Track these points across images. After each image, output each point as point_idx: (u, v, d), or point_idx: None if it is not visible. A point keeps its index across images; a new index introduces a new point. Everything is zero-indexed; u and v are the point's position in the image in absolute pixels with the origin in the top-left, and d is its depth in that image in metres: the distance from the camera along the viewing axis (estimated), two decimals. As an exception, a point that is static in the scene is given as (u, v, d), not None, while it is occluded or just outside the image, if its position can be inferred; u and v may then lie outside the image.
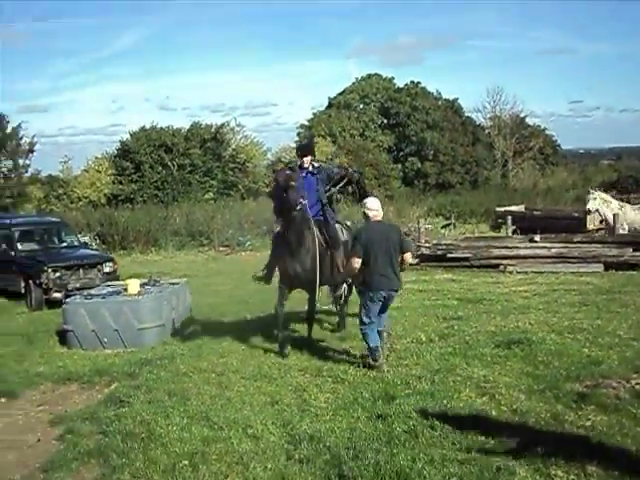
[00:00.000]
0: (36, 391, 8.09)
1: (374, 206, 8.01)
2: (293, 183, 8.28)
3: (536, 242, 16.37)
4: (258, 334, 9.64)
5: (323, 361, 7.85)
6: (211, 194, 44.43)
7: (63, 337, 10.41)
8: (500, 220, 25.75)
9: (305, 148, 9.94)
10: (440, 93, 66.06)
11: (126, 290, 10.76)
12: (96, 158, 45.33)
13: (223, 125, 47.50)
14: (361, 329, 7.58)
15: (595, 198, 19.15)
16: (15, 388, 8.09)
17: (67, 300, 10.95)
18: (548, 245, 16.13)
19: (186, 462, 5.11)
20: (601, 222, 23.27)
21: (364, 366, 7.30)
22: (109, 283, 12.63)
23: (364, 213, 8.08)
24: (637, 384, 5.95)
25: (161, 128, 46.21)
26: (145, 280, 11.48)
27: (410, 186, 58.38)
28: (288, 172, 8.61)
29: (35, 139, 43.98)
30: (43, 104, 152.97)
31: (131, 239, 27.11)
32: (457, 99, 66.39)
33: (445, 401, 5.81)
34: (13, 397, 7.86)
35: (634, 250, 15.45)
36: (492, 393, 5.99)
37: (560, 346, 7.49)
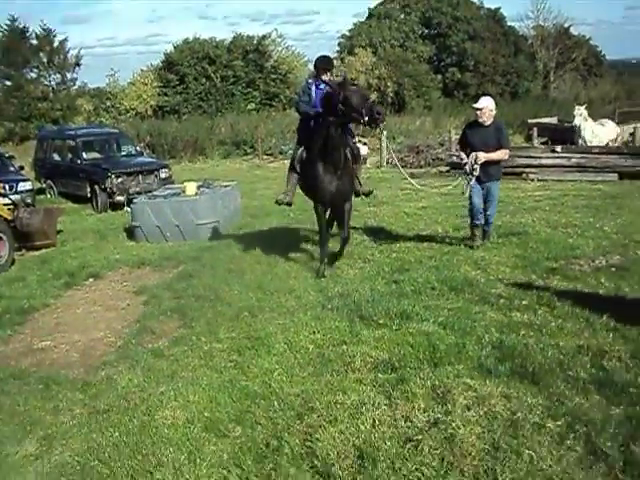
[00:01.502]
0: (117, 273, 9.74)
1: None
2: (354, 87, 8.23)
3: (557, 152, 17.56)
4: (300, 228, 11.18)
5: (355, 247, 9.43)
6: (253, 105, 45.52)
7: (131, 233, 11.99)
8: (531, 132, 26.75)
9: (327, 62, 9.34)
10: (482, 2, 65.16)
11: (184, 192, 12.33)
12: (142, 71, 46.57)
13: (265, 36, 48.13)
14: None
15: (581, 114, 19.95)
16: (99, 271, 9.75)
17: (134, 200, 12.59)
18: (568, 155, 17.31)
19: (246, 313, 6.78)
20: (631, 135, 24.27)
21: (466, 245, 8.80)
22: (168, 186, 14.30)
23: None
24: (599, 262, 7.46)
25: (204, 40, 47.04)
26: (200, 183, 13.09)
27: (450, 97, 58.51)
28: (353, 88, 8.19)
29: (81, 52, 45.15)
30: (82, 15, 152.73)
31: (179, 148, 28.78)
32: (499, 8, 65.36)
33: (446, 272, 7.39)
34: (99, 277, 9.52)
35: (644, 160, 16.63)
36: (484, 267, 7.55)
37: (550, 236, 8.98)
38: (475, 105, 9.05)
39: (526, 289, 6.58)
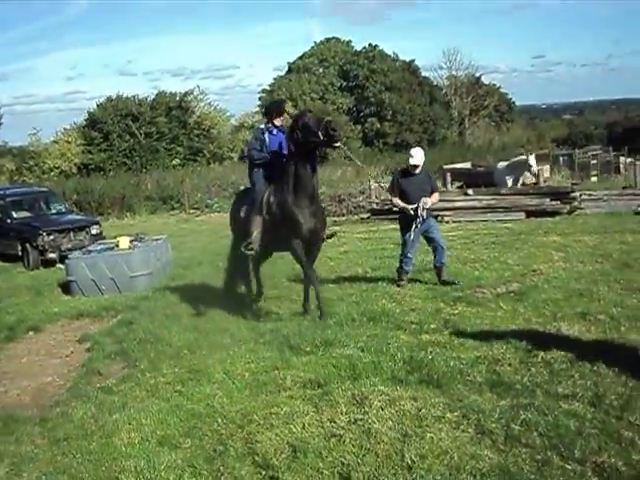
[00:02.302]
0: (56, 325, 10.20)
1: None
2: (309, 114, 8.39)
3: (469, 195, 18.89)
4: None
5: (282, 290, 10.20)
6: (178, 160, 46.31)
7: (67, 287, 12.38)
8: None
9: (278, 106, 9.82)
10: (397, 55, 67.94)
11: (118, 246, 12.91)
12: (65, 129, 46.98)
13: (187, 93, 49.28)
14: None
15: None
16: (38, 324, 10.16)
17: (69, 255, 13.07)
18: (479, 197, 18.66)
19: (186, 351, 7.43)
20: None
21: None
22: (101, 241, 14.83)
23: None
24: (500, 290, 8.47)
25: (127, 97, 47.84)
26: (132, 237, 13.68)
27: (370, 146, 60.62)
28: (309, 114, 8.38)
29: (1, 111, 45.18)
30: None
31: (107, 205, 29.15)
32: (414, 60, 68.32)
33: (365, 305, 8.27)
34: (39, 330, 9.94)
35: (551, 200, 18.11)
36: (399, 300, 8.47)
37: (459, 270, 10.00)
38: (414, 162, 9.59)
39: (435, 315, 7.51)
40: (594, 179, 35.29)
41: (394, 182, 10.01)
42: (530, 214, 17.58)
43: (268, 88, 66.18)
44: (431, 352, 6.11)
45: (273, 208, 8.51)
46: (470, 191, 19.20)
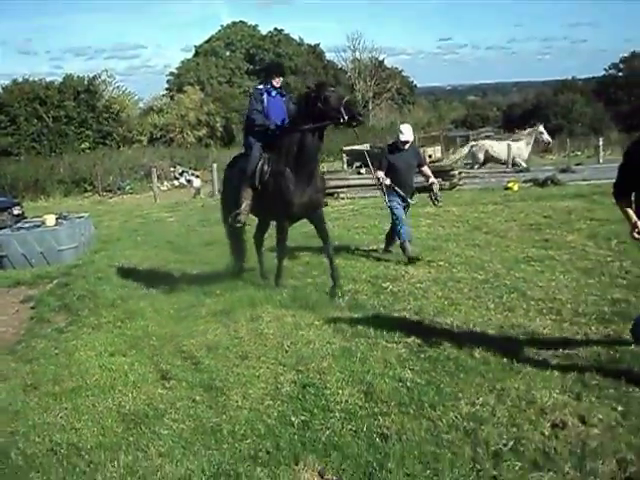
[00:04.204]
0: None
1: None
2: (332, 88, 8.17)
3: (362, 174, 21.14)
4: (148, 248, 13.59)
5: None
6: (87, 144, 46.83)
7: (-3, 262, 13.92)
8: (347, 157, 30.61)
9: (277, 67, 9.26)
10: (302, 39, 69.92)
11: (44, 223, 14.42)
12: (-31, 112, 46.76)
13: (96, 77, 49.67)
14: None
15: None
16: None
17: (0, 233, 14.49)
18: (371, 176, 20.90)
19: (119, 301, 9.19)
20: (429, 157, 28.71)
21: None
22: (28, 220, 16.22)
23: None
24: (373, 247, 10.65)
25: (34, 81, 47.93)
26: (57, 215, 15.18)
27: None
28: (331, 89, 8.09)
29: None
30: None
31: (21, 188, 30.09)
32: (319, 44, 70.45)
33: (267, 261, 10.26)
34: None
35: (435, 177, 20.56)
36: (297, 256, 10.47)
37: (340, 235, 12.12)
38: (404, 138, 9.94)
39: (318, 266, 9.54)
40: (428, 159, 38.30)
41: (383, 157, 10.21)
42: (420, 191, 19.97)
43: (175, 71, 66.94)
44: (310, 289, 8.20)
45: (266, 177, 8.27)
46: (363, 170, 21.43)
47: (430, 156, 29.40)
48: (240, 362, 6.05)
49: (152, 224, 17.96)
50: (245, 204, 8.39)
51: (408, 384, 5.17)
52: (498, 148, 24.97)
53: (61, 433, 4.91)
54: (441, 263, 9.35)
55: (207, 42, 69.82)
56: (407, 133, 10.03)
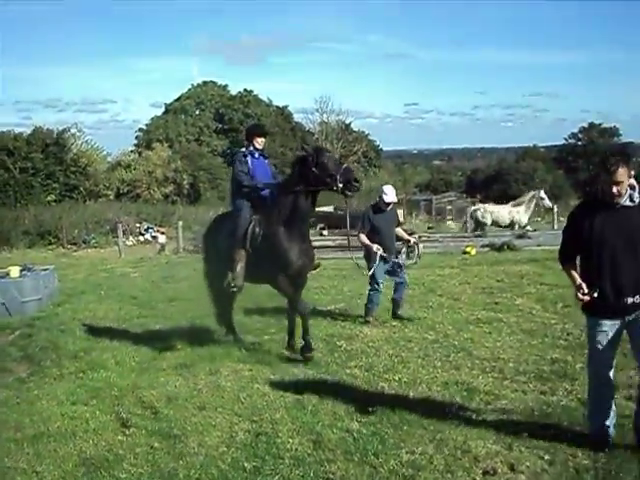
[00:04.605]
0: None
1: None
2: (329, 153, 8.18)
3: (324, 235, 21.72)
4: (111, 302, 13.83)
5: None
6: (53, 196, 46.92)
7: (-41, 311, 14.01)
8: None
9: (261, 128, 9.27)
10: (271, 100, 71.35)
11: (8, 274, 14.59)
12: None
13: (65, 130, 50.07)
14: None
15: None
16: None
17: (-36, 283, 14.61)
18: (332, 237, 21.49)
19: (82, 353, 9.42)
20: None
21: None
22: (-9, 271, 16.35)
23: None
24: (329, 308, 11.04)
25: (2, 132, 48.22)
26: (21, 267, 15.36)
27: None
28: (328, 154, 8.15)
29: None
30: None
31: (-17, 239, 30.07)
32: (287, 106, 71.92)
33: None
34: None
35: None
36: (260, 312, 10.81)
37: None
38: (388, 200, 10.02)
39: (277, 324, 9.89)
40: (450, 223, 39.28)
41: (364, 219, 10.18)
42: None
43: (144, 127, 67.67)
44: (268, 345, 8.56)
45: (258, 240, 8.20)
46: (325, 232, 22.01)
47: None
48: (198, 412, 6.35)
49: (116, 278, 18.17)
50: (239, 267, 8.23)
51: (354, 434, 5.53)
52: (498, 213, 25.95)
53: (22, 476, 5.14)
54: (394, 323, 9.80)
55: (177, 100, 70.93)
56: (391, 194, 10.09)
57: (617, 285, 4.92)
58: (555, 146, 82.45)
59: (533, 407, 6.01)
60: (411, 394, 6.57)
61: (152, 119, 69.06)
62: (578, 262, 5.23)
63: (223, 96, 70.50)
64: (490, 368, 7.41)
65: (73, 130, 51.15)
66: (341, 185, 7.59)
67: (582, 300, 4.97)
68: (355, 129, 73.68)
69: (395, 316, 10.22)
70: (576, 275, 5.08)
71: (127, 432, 5.97)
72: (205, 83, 72.33)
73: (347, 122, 70.81)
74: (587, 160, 67.83)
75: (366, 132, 77.87)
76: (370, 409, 6.04)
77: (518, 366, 7.42)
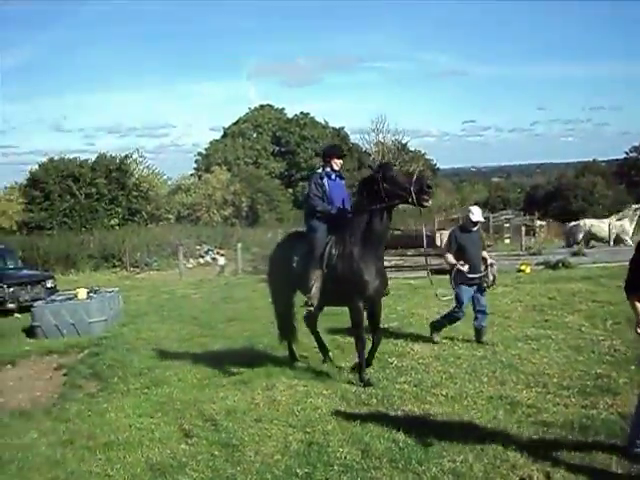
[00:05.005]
0: (29, 359, 12.40)
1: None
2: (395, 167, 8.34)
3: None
4: (173, 323, 14.44)
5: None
6: (116, 220, 48.45)
7: (31, 332, 14.62)
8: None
9: (339, 149, 9.04)
10: (327, 122, 72.17)
11: (76, 296, 15.35)
12: (6, 188, 49.03)
13: (127, 156, 51.76)
14: None
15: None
16: (13, 359, 12.31)
17: (35, 304, 15.39)
18: (388, 258, 21.73)
19: (146, 370, 9.97)
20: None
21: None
22: (61, 293, 17.18)
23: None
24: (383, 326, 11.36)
25: (68, 159, 50.08)
26: (89, 289, 16.13)
27: (300, 209, 63.86)
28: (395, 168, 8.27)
29: None
30: None
31: (52, 262, 31.32)
32: (343, 127, 72.69)
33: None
34: (15, 364, 12.06)
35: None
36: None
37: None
38: (475, 219, 10.02)
39: (330, 342, 10.28)
40: (507, 241, 39.09)
41: (452, 239, 10.20)
42: (433, 272, 20.75)
43: (204, 151, 69.24)
44: (322, 365, 8.99)
45: (334, 261, 8.10)
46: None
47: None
48: (255, 424, 6.79)
49: (177, 300, 18.87)
50: (315, 288, 8.11)
51: (400, 444, 5.86)
52: (599, 227, 26.82)
53: (96, 478, 5.64)
54: (445, 341, 10.08)
55: (235, 124, 72.36)
56: (477, 214, 10.09)
57: None
58: (616, 160, 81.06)
59: (573, 420, 6.24)
60: (456, 407, 6.88)
61: (211, 143, 70.71)
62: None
63: (280, 119, 71.69)
64: (534, 383, 7.65)
65: (135, 155, 52.86)
66: (415, 195, 7.52)
67: None
68: (412, 148, 73.72)
69: (478, 341, 10.04)
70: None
71: (189, 442, 6.45)
72: (262, 107, 73.65)
73: (403, 142, 70.96)
74: (650, 174, 66.46)
75: (422, 151, 77.82)
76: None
77: (562, 381, 7.64)
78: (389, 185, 7.68)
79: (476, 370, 8.40)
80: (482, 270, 10.09)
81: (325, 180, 8.41)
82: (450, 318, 10.27)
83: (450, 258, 10.01)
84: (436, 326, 10.38)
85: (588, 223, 27.47)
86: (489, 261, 10.26)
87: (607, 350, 9.03)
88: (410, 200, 7.61)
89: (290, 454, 5.90)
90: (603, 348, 9.17)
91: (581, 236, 26.81)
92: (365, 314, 8.38)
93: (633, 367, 7.95)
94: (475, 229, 10.14)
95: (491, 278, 10.19)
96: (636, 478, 5.02)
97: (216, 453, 6.07)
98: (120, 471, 5.78)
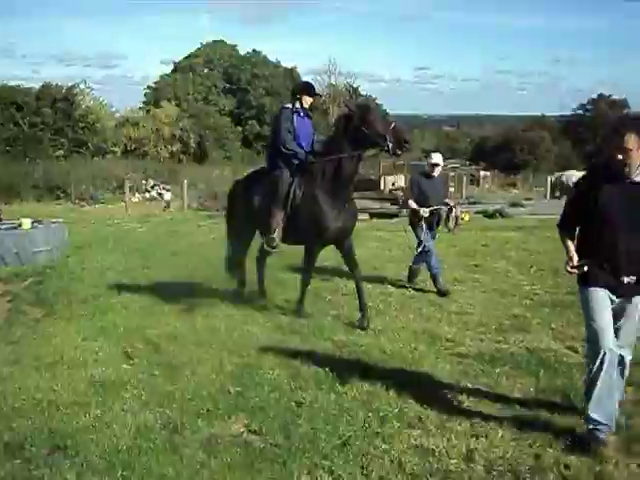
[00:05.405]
0: None
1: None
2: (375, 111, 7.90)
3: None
4: (118, 255, 14.70)
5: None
6: (62, 152, 47.82)
7: (-27, 260, 14.86)
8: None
9: (311, 87, 8.66)
10: (280, 62, 71.62)
11: (20, 226, 15.44)
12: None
13: (74, 86, 50.74)
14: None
15: None
16: None
17: (-23, 233, 15.46)
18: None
19: (91, 298, 10.28)
20: (393, 184, 30.14)
21: None
22: (4, 222, 17.19)
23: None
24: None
25: (11, 87, 48.89)
26: (33, 220, 16.21)
27: (249, 148, 63.79)
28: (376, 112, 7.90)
29: None
30: None
31: (-5, 191, 31.01)
32: (295, 67, 72.25)
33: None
34: None
35: (391, 204, 22.08)
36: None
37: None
38: (433, 161, 9.98)
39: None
40: (451, 189, 39.94)
41: (413, 184, 10.20)
42: (373, 215, 21.43)
43: (153, 85, 68.12)
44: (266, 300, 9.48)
45: (298, 201, 8.00)
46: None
47: (393, 184, 30.89)
48: (194, 348, 7.23)
49: (123, 233, 19.07)
50: (278, 228, 8.07)
51: (327, 369, 6.34)
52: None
53: (42, 393, 6.02)
54: (377, 281, 10.64)
55: (186, 58, 71.25)
56: (436, 157, 10.08)
57: (614, 263, 4.60)
58: (563, 116, 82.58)
59: (485, 353, 6.87)
60: (382, 339, 7.45)
61: (161, 77, 69.56)
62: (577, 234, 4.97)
63: (232, 56, 70.81)
64: (457, 320, 8.27)
65: (82, 86, 51.86)
66: (391, 145, 7.38)
67: (570, 273, 4.73)
68: (364, 93, 73.80)
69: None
70: (571, 246, 4.80)
71: (131, 362, 6.88)
72: (215, 42, 72.58)
73: (355, 85, 70.97)
74: (594, 132, 67.94)
75: (374, 96, 77.92)
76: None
77: (481, 319, 8.28)
78: (367, 129, 7.46)
79: (404, 307, 9.00)
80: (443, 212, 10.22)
81: (295, 116, 8.18)
82: (420, 259, 10.24)
83: (412, 204, 9.97)
84: (412, 276, 10.44)
85: (568, 174, 28.20)
86: (450, 203, 10.39)
87: (527, 294, 9.70)
88: (386, 149, 7.50)
89: (224, 375, 6.35)
90: (524, 292, 9.84)
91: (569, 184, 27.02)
92: (340, 254, 8.52)
93: (547, 309, 8.65)
94: (437, 175, 10.09)
95: (452, 224, 10.42)
96: (532, 400, 5.61)
97: (156, 372, 6.49)
98: (65, 386, 6.16)
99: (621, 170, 4.44)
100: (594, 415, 4.67)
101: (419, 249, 10.03)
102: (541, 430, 4.95)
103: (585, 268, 4.62)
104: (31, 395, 5.99)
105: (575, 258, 4.67)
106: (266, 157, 8.76)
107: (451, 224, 10.44)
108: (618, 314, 4.69)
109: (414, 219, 10.05)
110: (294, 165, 8.08)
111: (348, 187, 7.99)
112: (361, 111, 7.64)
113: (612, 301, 4.68)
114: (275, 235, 8.09)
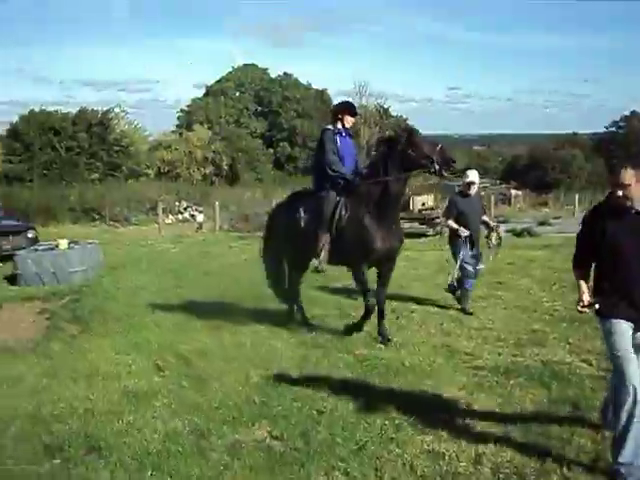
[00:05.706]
0: (12, 304, 12.94)
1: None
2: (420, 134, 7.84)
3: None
4: (151, 275, 15.16)
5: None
6: (96, 175, 48.87)
7: (13, 279, 15.23)
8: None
9: (352, 106, 8.62)
10: (310, 84, 72.43)
11: (57, 247, 15.98)
12: (-16, 138, 49.20)
13: (109, 111, 51.91)
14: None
15: None
16: None
17: (17, 253, 16.00)
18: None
19: (125, 317, 10.67)
20: (422, 204, 30.37)
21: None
22: (42, 243, 17.79)
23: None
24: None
25: (49, 112, 50.18)
26: (69, 240, 16.76)
27: (280, 169, 64.55)
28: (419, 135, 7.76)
29: None
30: None
31: (32, 214, 31.76)
32: (326, 89, 72.89)
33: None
34: None
35: (420, 224, 22.34)
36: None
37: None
38: (469, 179, 9.85)
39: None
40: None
41: (451, 204, 10.14)
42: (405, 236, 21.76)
43: (186, 108, 69.30)
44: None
45: (343, 223, 7.97)
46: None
47: (423, 204, 31.07)
48: (221, 362, 7.60)
49: (156, 254, 19.58)
50: (325, 251, 8.06)
51: (348, 380, 6.72)
52: None
53: (79, 402, 6.41)
54: (401, 297, 10.91)
55: (218, 82, 72.45)
56: (471, 175, 9.93)
57: (632, 295, 4.55)
58: (595, 134, 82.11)
59: (501, 365, 7.12)
60: (402, 352, 7.74)
61: (193, 100, 70.79)
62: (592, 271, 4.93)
63: (263, 79, 71.87)
64: (476, 335, 8.52)
65: (117, 110, 53.04)
66: (438, 167, 7.47)
67: (581, 312, 4.76)
68: (394, 113, 74.05)
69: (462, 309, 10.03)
70: (583, 285, 4.76)
71: (162, 374, 7.26)
72: (246, 66, 73.78)
73: (385, 106, 71.25)
74: (627, 149, 67.24)
75: (405, 116, 78.19)
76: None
77: (500, 334, 8.51)
78: (413, 151, 7.54)
79: (426, 323, 9.27)
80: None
81: (337, 137, 8.18)
82: (466, 284, 10.08)
83: (452, 223, 9.92)
84: (465, 300, 10.12)
85: None
86: (492, 224, 10.41)
87: (547, 310, 9.91)
88: (432, 170, 7.59)
89: (250, 386, 6.70)
90: (544, 308, 10.05)
91: None
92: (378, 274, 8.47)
93: (565, 324, 8.86)
94: (473, 194, 10.00)
95: (494, 242, 10.30)
96: (543, 409, 5.85)
97: (185, 384, 6.86)
98: (100, 396, 6.55)
99: (624, 203, 4.44)
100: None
101: (457, 265, 9.96)
102: (548, 437, 5.20)
103: (597, 306, 4.58)
104: (68, 404, 6.39)
105: (586, 297, 4.63)
106: (312, 179, 8.65)
107: (493, 243, 10.32)
108: (637, 347, 4.61)
109: (455, 239, 10.00)
110: (340, 186, 8.05)
111: (395, 209, 8.06)
112: (407, 134, 7.68)
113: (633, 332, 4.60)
114: (322, 258, 8.17)
